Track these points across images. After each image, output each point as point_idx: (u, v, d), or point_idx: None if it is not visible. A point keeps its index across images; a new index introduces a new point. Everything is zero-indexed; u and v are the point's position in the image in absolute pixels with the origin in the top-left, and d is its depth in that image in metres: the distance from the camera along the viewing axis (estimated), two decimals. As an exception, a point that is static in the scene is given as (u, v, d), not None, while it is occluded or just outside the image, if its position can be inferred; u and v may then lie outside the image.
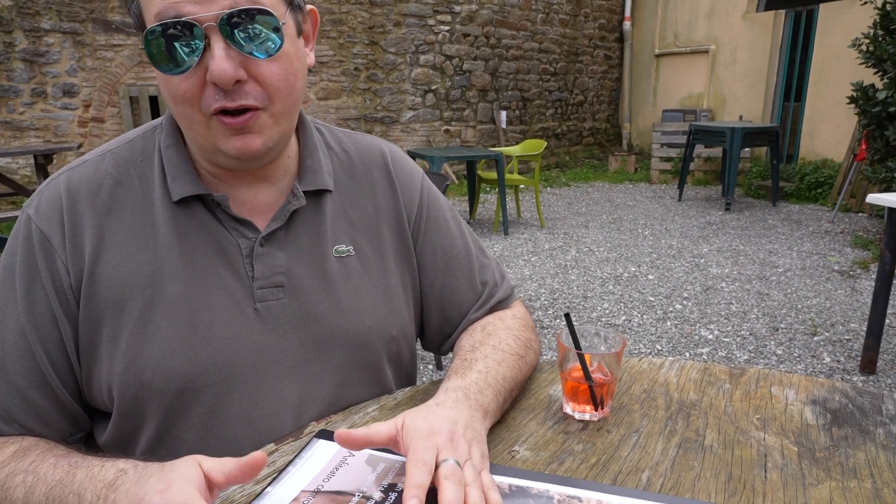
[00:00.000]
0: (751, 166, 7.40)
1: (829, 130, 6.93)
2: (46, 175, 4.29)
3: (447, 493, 0.54)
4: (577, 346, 0.74)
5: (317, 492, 0.60)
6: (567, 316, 0.76)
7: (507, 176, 5.46)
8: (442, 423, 0.61)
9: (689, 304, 3.58)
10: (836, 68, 6.74)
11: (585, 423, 0.76)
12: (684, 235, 5.16)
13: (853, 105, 4.91)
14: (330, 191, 0.82)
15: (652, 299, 3.66)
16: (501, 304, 0.91)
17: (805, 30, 7.27)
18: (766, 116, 7.80)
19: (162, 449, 0.71)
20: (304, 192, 0.78)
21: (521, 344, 0.82)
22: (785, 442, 0.72)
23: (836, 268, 4.25)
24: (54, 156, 4.94)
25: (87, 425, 0.75)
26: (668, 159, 7.86)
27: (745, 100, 7.98)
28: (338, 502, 0.58)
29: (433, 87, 7.50)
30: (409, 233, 0.87)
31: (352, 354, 0.79)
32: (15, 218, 4.26)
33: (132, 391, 0.69)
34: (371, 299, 0.81)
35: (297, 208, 0.78)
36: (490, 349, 0.78)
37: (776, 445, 0.72)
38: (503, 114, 7.90)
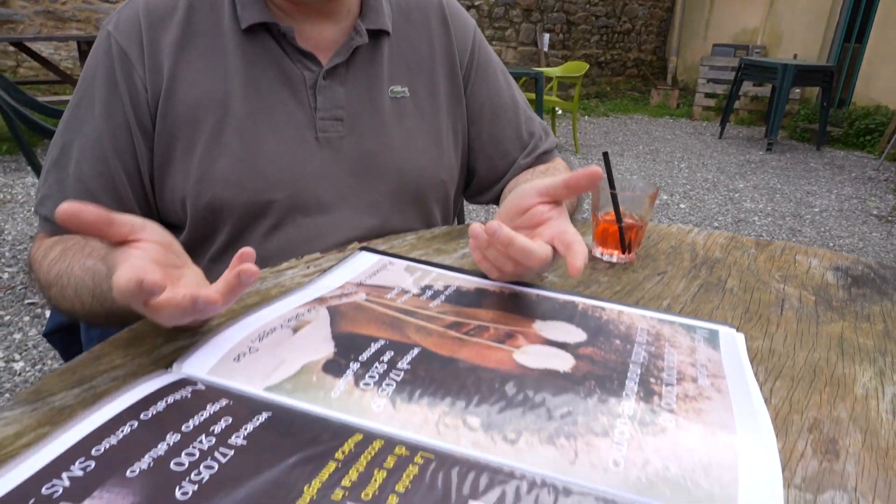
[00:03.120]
0: (799, 108, 7.13)
1: (889, 74, 6.59)
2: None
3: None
4: (612, 185, 0.76)
5: (360, 284, 0.65)
6: (605, 154, 0.78)
7: (546, 98, 5.35)
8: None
9: (719, 234, 3.56)
10: (906, 7, 6.34)
11: (612, 264, 0.80)
12: (721, 171, 5.07)
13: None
14: (388, 33, 0.84)
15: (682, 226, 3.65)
16: (546, 156, 0.94)
17: (877, -36, 6.81)
18: (822, 58, 7.43)
19: (227, 257, 0.77)
20: (366, 30, 0.81)
21: None
22: (803, 292, 0.75)
23: (875, 212, 4.16)
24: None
25: None
26: (713, 96, 7.59)
27: (802, 38, 7.58)
28: (378, 292, 0.64)
29: (476, 3, 7.26)
30: (461, 78, 0.89)
31: (402, 192, 0.84)
32: (60, 102, 4.34)
33: (204, 201, 0.75)
34: (423, 141, 0.85)
35: (359, 46, 0.81)
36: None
37: (794, 294, 0.75)
38: (546, 36, 7.65)
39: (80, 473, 0.36)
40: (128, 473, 0.36)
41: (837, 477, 0.43)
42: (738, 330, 0.63)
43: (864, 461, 0.45)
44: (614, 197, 0.75)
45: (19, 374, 1.80)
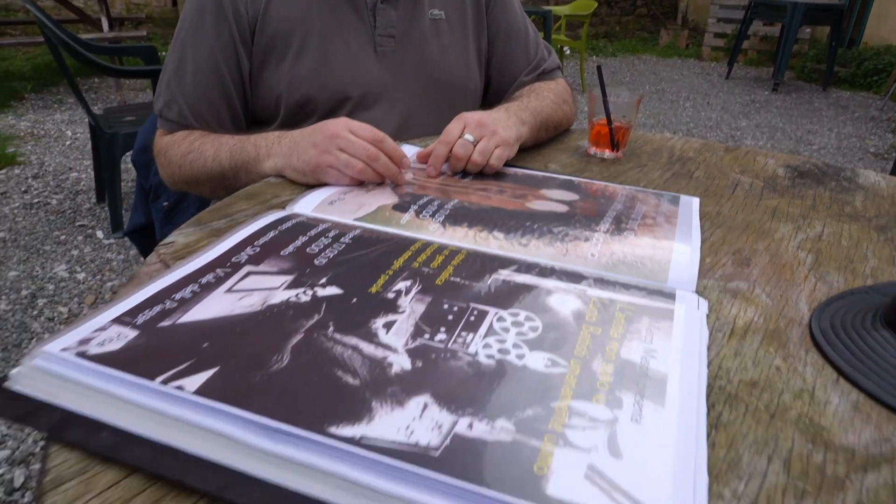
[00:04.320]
0: (808, 49, 7.12)
1: (899, 13, 6.56)
2: (107, 4, 4.42)
3: (449, 153, 0.82)
4: (604, 94, 0.95)
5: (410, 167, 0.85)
6: (598, 68, 0.96)
7: (554, 37, 5.41)
8: (476, 114, 0.85)
9: (718, 169, 3.72)
10: (921, -57, 6.25)
11: (604, 160, 0.99)
12: (725, 110, 5.17)
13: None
14: None
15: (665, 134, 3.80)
16: (547, 74, 1.12)
17: None
18: (835, -4, 7.35)
19: None
20: None
21: (559, 97, 1.04)
22: (755, 180, 0.95)
23: (872, 150, 4.29)
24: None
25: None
26: (723, 35, 7.57)
27: (815, -25, 7.48)
28: (420, 173, 0.83)
29: (485, -60, 7.18)
30: (483, 5, 1.06)
31: (438, 97, 1.03)
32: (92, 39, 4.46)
33: (296, 98, 0.94)
34: (455, 56, 1.03)
35: None
36: (534, 94, 1.01)
37: (747, 181, 0.94)
38: (556, -25, 7.57)
39: (252, 253, 0.56)
40: (281, 253, 0.57)
41: (745, 275, 0.63)
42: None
43: (767, 269, 0.65)
44: (605, 103, 0.94)
45: (83, 283, 2.04)
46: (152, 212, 1.40)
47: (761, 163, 1.04)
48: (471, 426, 0.38)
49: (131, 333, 0.44)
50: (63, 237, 2.33)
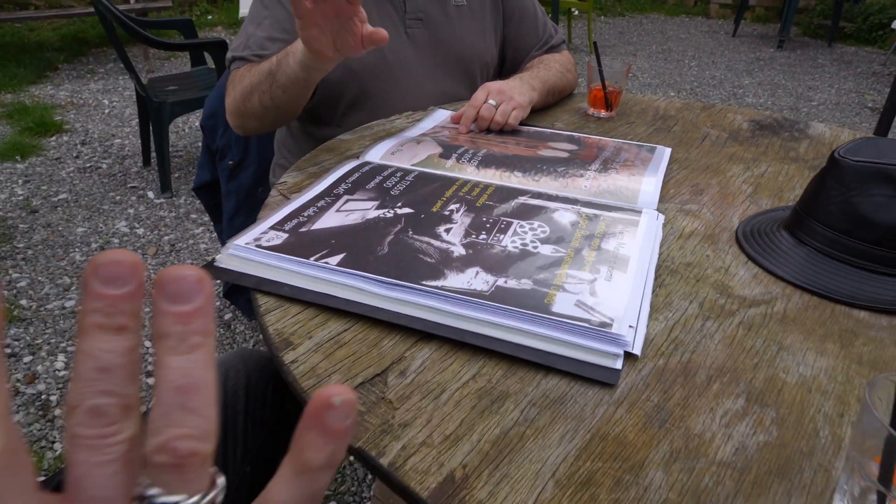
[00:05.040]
0: (815, 4, 7.15)
1: (907, -33, 6.57)
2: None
3: (476, 115, 1.05)
4: (599, 65, 1.17)
5: (443, 127, 1.08)
6: (595, 44, 1.18)
7: (562, -1, 5.52)
8: (497, 84, 1.08)
9: (718, 126, 3.90)
10: None
11: (599, 118, 1.22)
12: (729, 68, 5.30)
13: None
14: None
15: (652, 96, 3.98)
16: (554, 49, 1.34)
17: None
18: (844, -51, 7.34)
19: (356, 111, 1.19)
20: None
21: (564, 67, 1.27)
22: (721, 133, 1.17)
23: (870, 105, 4.44)
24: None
25: None
26: (731, -8, 7.60)
27: (824, -72, 7.45)
28: (454, 131, 1.07)
29: None
30: None
31: (460, 69, 1.25)
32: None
33: (338, 72, 1.15)
34: (476, 36, 1.25)
35: None
36: (543, 65, 1.23)
37: (715, 133, 1.17)
38: (563, -67, 7.58)
39: (346, 187, 0.81)
40: (366, 187, 0.81)
41: (697, 201, 0.87)
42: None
43: (715, 196, 0.89)
44: (601, 72, 1.16)
45: (143, 237, 2.30)
46: (218, 170, 1.65)
47: (731, 118, 1.26)
48: (506, 282, 0.62)
49: (284, 235, 0.69)
50: (118, 198, 2.58)
